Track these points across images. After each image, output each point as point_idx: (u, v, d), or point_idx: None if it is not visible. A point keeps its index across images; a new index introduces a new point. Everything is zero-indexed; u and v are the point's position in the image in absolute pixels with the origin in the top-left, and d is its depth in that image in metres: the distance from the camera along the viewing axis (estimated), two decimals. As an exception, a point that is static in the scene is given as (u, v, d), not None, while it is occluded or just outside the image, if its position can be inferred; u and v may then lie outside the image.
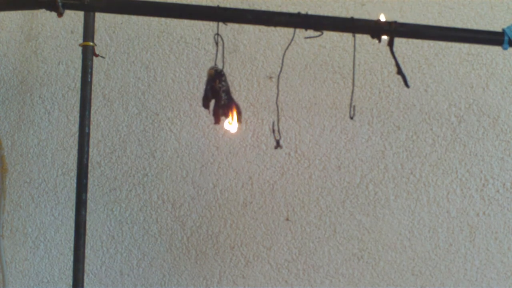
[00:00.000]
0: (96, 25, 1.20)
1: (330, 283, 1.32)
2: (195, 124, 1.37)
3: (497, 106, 1.31)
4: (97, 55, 1.17)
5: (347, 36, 1.33)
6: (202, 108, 0.94)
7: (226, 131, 1.36)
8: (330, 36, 1.36)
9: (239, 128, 1.34)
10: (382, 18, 0.91)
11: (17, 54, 1.46)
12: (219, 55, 0.96)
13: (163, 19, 1.40)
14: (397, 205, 1.31)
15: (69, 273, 1.39)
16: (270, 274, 1.34)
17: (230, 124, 0.94)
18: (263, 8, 1.36)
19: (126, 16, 1.42)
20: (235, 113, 0.93)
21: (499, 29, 0.92)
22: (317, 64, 1.36)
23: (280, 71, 1.06)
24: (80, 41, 1.17)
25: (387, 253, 1.31)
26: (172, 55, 1.40)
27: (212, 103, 0.94)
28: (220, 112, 0.92)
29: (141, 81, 1.40)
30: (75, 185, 1.17)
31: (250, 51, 1.38)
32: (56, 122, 1.42)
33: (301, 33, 0.92)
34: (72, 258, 1.18)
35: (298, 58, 1.36)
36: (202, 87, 0.97)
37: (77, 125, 1.33)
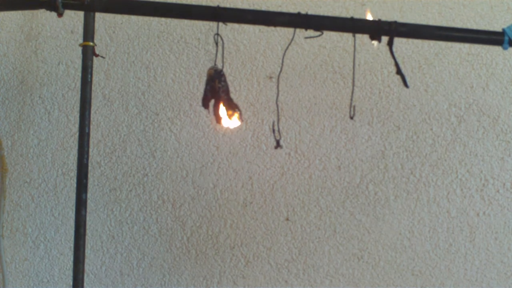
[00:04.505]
0: (96, 25, 1.20)
1: (330, 283, 1.32)
2: (195, 124, 1.37)
3: (497, 106, 1.31)
4: (97, 55, 1.17)
5: (347, 36, 1.33)
6: (202, 108, 0.94)
7: (226, 131, 1.36)
8: (330, 36, 1.36)
9: (239, 128, 1.35)
10: (369, 16, 0.91)
11: (17, 54, 1.46)
12: (219, 55, 0.96)
13: (163, 19, 1.40)
14: (397, 205, 1.31)
15: (69, 273, 1.39)
16: (270, 274, 1.34)
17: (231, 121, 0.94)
18: (263, 8, 1.36)
19: (126, 16, 1.42)
20: (236, 111, 0.93)
21: (499, 29, 0.92)
22: (317, 64, 1.36)
23: (280, 71, 1.06)
24: (80, 41, 1.16)
25: (387, 253, 1.31)
26: (172, 55, 1.40)
27: (212, 103, 0.94)
28: (220, 112, 0.92)
29: (141, 81, 1.40)
30: (75, 185, 1.17)
31: (250, 51, 1.38)
32: (56, 122, 1.42)
33: (301, 33, 0.92)
34: (72, 258, 1.18)
35: (298, 58, 1.36)
36: (202, 87, 0.97)
37: (77, 125, 1.33)
